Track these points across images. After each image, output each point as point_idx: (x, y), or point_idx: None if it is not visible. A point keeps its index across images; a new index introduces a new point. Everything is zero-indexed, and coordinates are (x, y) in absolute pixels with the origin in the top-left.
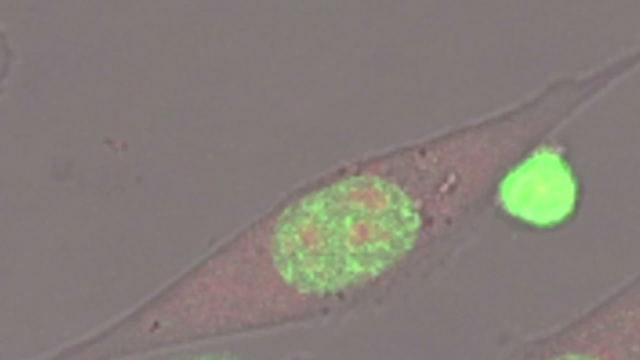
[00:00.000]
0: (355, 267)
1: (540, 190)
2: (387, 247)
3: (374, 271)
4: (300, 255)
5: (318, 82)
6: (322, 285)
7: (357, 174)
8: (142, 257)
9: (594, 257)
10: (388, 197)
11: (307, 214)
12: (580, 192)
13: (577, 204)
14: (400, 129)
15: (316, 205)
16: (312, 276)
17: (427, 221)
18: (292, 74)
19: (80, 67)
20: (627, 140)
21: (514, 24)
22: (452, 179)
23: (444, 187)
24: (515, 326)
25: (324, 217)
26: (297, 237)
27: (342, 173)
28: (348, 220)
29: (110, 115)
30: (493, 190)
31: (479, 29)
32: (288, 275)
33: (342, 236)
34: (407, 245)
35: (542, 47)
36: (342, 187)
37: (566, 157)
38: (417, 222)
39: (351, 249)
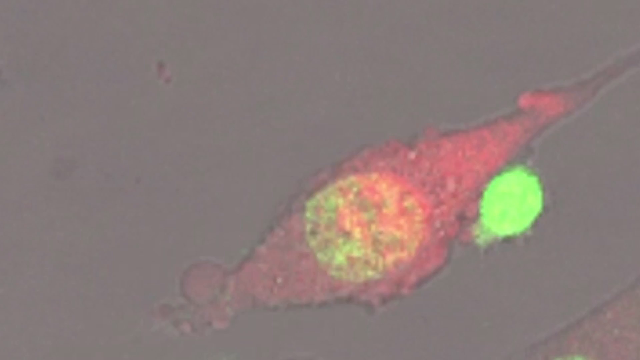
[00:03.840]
0: (372, 258)
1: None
2: (401, 240)
3: (389, 263)
4: (332, 244)
5: (314, 81)
6: (351, 274)
7: (362, 171)
8: (141, 256)
9: (591, 260)
10: (395, 194)
11: (326, 208)
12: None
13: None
14: (393, 126)
15: (332, 198)
16: (344, 262)
17: (429, 219)
18: (295, 73)
19: (80, 66)
20: (602, 148)
21: (507, 28)
22: (451, 186)
23: (444, 191)
24: (514, 327)
25: (343, 209)
26: (326, 225)
27: (346, 170)
28: (364, 215)
29: (110, 115)
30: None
31: (471, 30)
32: (324, 260)
33: (358, 229)
34: (416, 243)
35: (535, 52)
36: (351, 183)
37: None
38: (422, 219)
39: (364, 241)
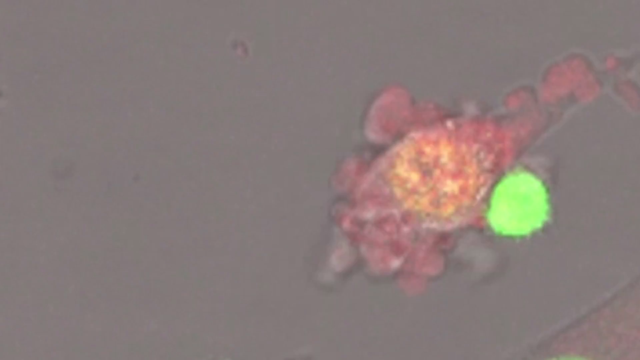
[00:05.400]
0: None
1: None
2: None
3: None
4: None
5: (313, 77)
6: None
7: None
8: (141, 255)
9: (590, 260)
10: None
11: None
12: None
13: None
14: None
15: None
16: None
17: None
18: (294, 68)
19: (79, 67)
20: (602, 148)
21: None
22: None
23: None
24: (514, 327)
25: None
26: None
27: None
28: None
29: (110, 115)
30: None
31: (478, 34)
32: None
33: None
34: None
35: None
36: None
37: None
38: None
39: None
